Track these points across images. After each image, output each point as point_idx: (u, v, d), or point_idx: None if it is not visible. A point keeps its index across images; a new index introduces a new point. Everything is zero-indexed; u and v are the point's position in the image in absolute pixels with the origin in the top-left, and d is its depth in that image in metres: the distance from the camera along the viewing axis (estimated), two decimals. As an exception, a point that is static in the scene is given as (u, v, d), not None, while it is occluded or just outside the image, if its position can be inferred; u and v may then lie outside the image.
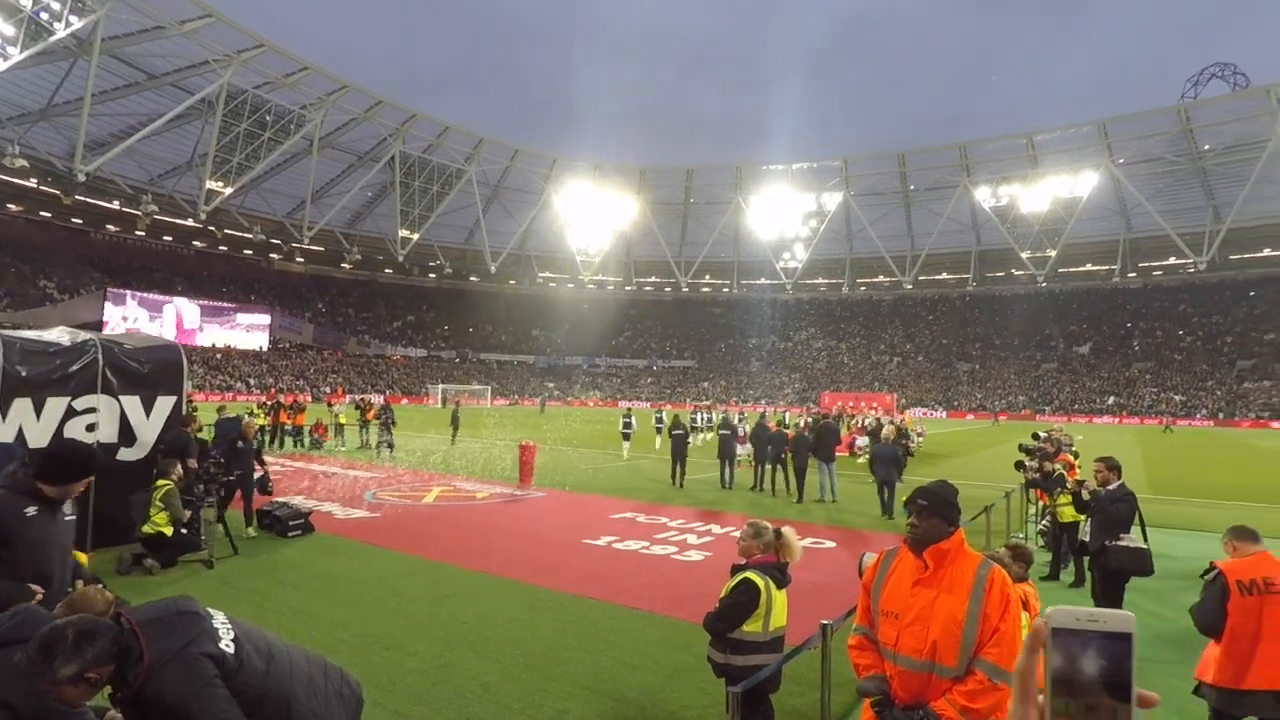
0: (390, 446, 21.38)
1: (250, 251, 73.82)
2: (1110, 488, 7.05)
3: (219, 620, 2.60)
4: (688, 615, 6.69)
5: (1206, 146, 65.45)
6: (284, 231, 71.35)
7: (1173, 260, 71.68)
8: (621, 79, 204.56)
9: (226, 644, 2.50)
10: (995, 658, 2.65)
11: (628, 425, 23.81)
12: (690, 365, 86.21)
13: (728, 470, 16.89)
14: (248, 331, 67.93)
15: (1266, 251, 69.13)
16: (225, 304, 68.00)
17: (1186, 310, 72.12)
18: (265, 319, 69.60)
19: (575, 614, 7.17)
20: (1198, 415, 59.13)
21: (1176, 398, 62.45)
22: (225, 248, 71.63)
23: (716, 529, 11.60)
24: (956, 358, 77.61)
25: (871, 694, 2.92)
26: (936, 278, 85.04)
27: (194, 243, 70.36)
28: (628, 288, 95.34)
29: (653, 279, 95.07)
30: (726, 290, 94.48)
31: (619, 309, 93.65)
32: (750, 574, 4.21)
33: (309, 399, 50.92)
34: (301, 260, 78.66)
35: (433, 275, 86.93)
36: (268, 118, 59.12)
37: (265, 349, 68.41)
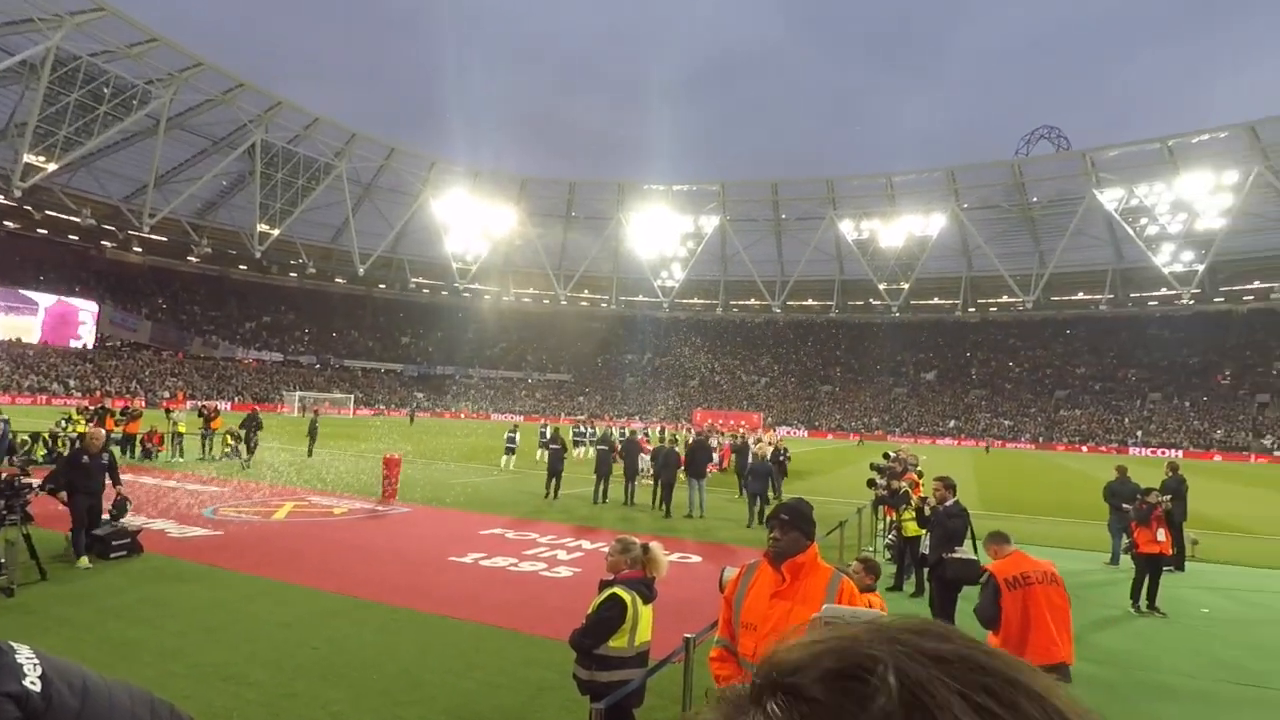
0: (247, 454, 20.64)
1: (77, 237, 66.41)
2: (947, 504, 7.66)
3: (23, 655, 2.30)
4: (554, 632, 6.62)
5: (1035, 199, 73.41)
6: (120, 217, 64.74)
7: (1005, 298, 79.43)
8: (500, 86, 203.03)
9: (31, 681, 2.21)
10: None
11: (512, 440, 23.93)
12: (566, 379, 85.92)
13: (603, 486, 16.91)
14: (72, 326, 60.92)
15: (1080, 295, 78.07)
16: (40, 293, 60.44)
17: (1015, 344, 79.92)
18: (90, 311, 62.53)
19: (437, 635, 6.92)
20: (1022, 438, 65.55)
21: (1006, 422, 68.92)
22: (45, 231, 64.03)
23: (587, 545, 11.57)
24: (819, 380, 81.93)
25: None
26: (804, 303, 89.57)
27: (5, 223, 62.47)
28: (505, 298, 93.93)
29: (531, 290, 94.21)
30: (605, 305, 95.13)
31: (495, 319, 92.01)
32: (617, 589, 4.24)
33: (143, 404, 46.44)
34: (140, 250, 71.56)
35: (294, 274, 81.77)
36: (105, 90, 53.54)
37: (91, 346, 61.59)
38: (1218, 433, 60.84)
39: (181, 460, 21.18)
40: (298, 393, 61.17)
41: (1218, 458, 56.19)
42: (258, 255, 72.01)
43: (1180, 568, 11.83)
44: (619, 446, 18.32)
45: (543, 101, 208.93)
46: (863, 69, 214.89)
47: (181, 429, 22.26)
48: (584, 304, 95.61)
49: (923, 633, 0.42)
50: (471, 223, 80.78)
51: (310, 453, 24.16)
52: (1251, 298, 70.95)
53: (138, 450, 21.14)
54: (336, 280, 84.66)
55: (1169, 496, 10.95)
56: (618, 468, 17.59)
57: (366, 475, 18.90)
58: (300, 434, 26.87)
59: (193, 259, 73.76)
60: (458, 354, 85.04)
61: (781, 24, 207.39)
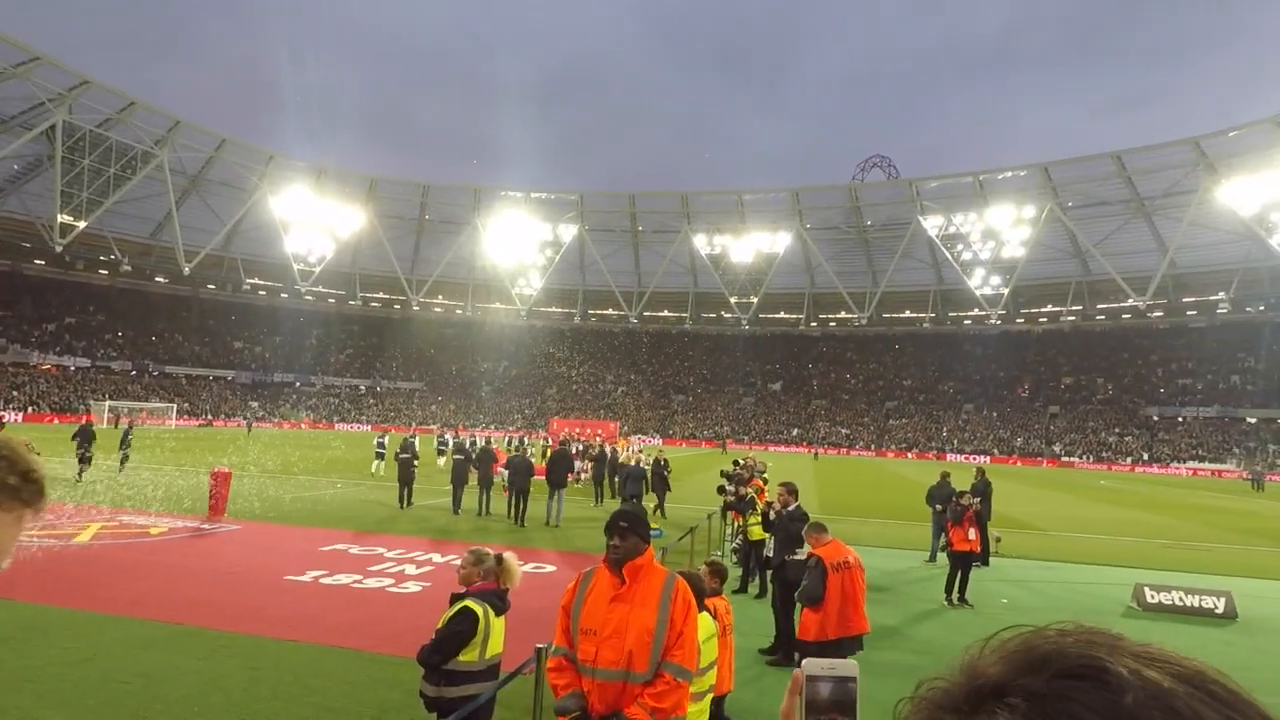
0: (78, 472, 19.81)
1: None
2: (790, 509, 8.12)
3: None
4: (402, 650, 6.36)
5: (869, 222, 79.57)
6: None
7: (843, 314, 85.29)
8: (344, 78, 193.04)
9: None
10: (680, 659, 2.93)
11: (381, 446, 25.38)
12: (418, 387, 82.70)
13: (459, 495, 16.75)
14: None
15: (907, 313, 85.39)
16: None
17: (852, 357, 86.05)
18: None
19: (272, 660, 6.43)
20: (857, 445, 70.64)
21: (843, 430, 74.00)
22: None
23: (437, 558, 11.21)
24: (674, 389, 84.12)
25: (569, 710, 3.05)
26: (659, 314, 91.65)
27: None
28: (351, 302, 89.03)
29: (380, 295, 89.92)
30: (460, 312, 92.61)
31: (340, 324, 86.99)
32: (469, 602, 4.15)
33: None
34: (-96, 239, 61.35)
35: (105, 272, 73.00)
36: None
37: None
38: (1018, 440, 68.57)
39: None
40: (107, 402, 54.78)
41: (1017, 463, 63.33)
42: (58, 249, 63.49)
43: (986, 563, 13.13)
44: (502, 458, 18.13)
45: (391, 98, 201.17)
46: (712, 86, 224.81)
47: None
48: (438, 310, 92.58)
49: (1118, 637, 0.45)
50: (315, 222, 75.90)
51: (121, 466, 21.69)
52: (1045, 320, 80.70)
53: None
54: (157, 279, 76.55)
55: (978, 499, 12.22)
56: (474, 477, 17.30)
57: (191, 492, 17.24)
58: (110, 446, 24.07)
59: (-26, 250, 64.05)
60: (298, 360, 79.50)
61: (633, 33, 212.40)
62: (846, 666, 0.82)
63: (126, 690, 5.62)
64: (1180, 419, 65.79)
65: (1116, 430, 66.98)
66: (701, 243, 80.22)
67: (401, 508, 16.72)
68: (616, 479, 19.57)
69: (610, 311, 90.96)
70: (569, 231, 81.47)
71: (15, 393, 55.94)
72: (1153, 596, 10.55)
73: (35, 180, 62.42)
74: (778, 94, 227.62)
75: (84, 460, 19.98)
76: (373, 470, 24.49)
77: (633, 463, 18.67)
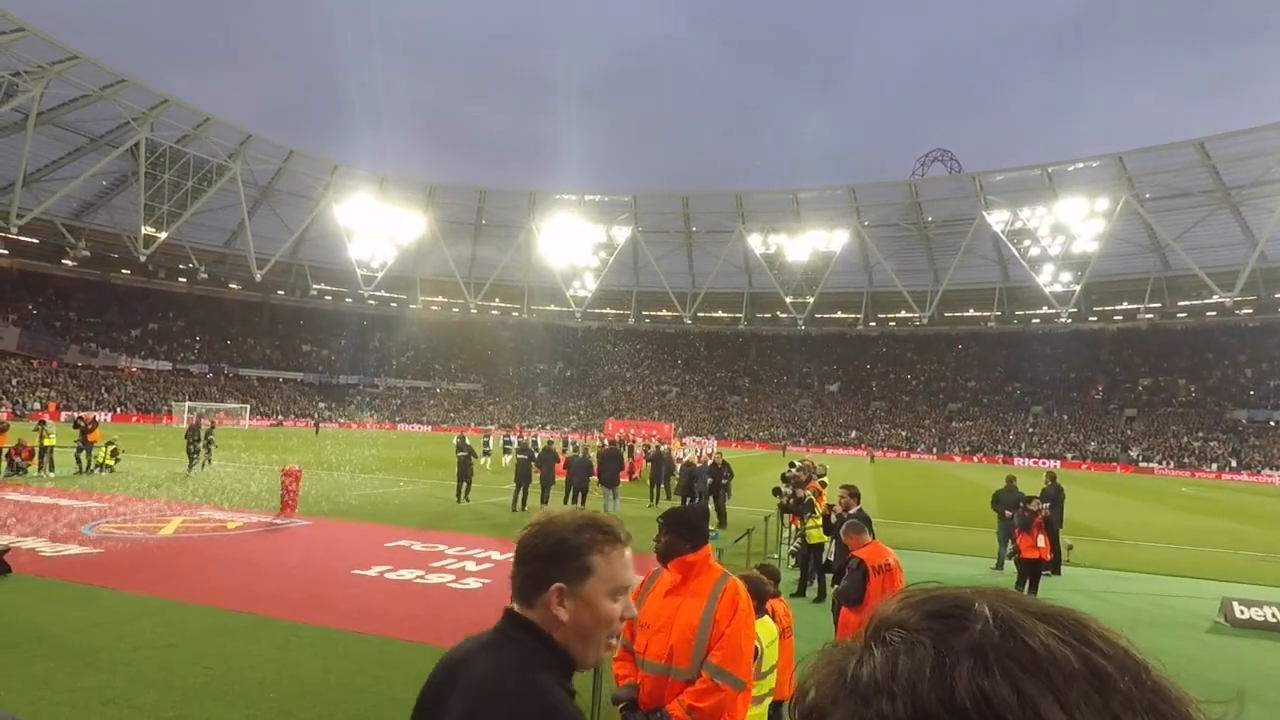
0: (205, 460, 22.31)
1: (-70, 238, 60.32)
2: (851, 512, 8.01)
3: None
4: (463, 644, 6.52)
5: (930, 218, 77.52)
6: (-17, 217, 59.37)
7: (903, 313, 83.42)
8: (401, 84, 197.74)
9: None
10: (719, 659, 2.94)
11: (488, 446, 28.87)
12: (475, 388, 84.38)
13: (522, 494, 17.08)
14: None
15: (970, 311, 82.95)
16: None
17: (912, 358, 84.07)
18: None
19: (340, 651, 6.69)
20: (918, 449, 68.88)
21: (903, 433, 72.32)
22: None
23: (496, 555, 11.44)
24: (728, 390, 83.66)
25: (621, 700, 3.11)
26: (713, 315, 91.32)
27: None
28: (412, 305, 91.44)
29: (440, 298, 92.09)
30: (516, 314, 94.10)
31: (402, 327, 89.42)
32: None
33: (9, 416, 42.69)
34: (6, 253, 65.68)
35: (184, 279, 76.93)
36: (-35, 82, 49.22)
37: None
38: (1091, 444, 65.67)
39: (53, 475, 19.57)
40: (187, 402, 57.53)
41: (1091, 468, 60.71)
42: (142, 259, 67.29)
43: (1057, 572, 12.65)
44: (536, 456, 18.44)
45: (446, 101, 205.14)
46: (768, 78, 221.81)
47: (50, 441, 20.49)
48: (494, 313, 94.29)
49: (1005, 590, 0.51)
50: (377, 229, 78.30)
51: (205, 464, 22.81)
52: (1120, 318, 77.12)
53: (2, 465, 19.43)
54: (231, 286, 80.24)
55: (1047, 504, 11.80)
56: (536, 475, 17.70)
57: (263, 488, 18.01)
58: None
59: (68, 262, 68.19)
60: (362, 363, 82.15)
61: (686, 28, 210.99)
62: None
63: (210, 674, 5.93)
64: (1272, 423, 61.83)
65: (1200, 434, 63.41)
66: (756, 242, 79.54)
67: (459, 501, 17.60)
68: (673, 479, 19.72)
69: (664, 313, 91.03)
70: (623, 233, 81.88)
71: (105, 394, 59.38)
72: (1242, 612, 9.96)
73: (121, 195, 66.17)
74: (836, 85, 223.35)
75: (194, 455, 21.99)
76: (484, 464, 27.32)
77: (708, 463, 19.13)
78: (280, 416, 66.84)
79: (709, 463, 19.25)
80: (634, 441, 34.23)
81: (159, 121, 61.99)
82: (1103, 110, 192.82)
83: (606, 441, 31.19)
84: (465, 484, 18.14)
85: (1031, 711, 0.42)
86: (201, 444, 22.42)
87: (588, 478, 16.43)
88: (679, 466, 21.49)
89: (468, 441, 19.00)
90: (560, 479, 17.85)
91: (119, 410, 57.63)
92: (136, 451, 26.90)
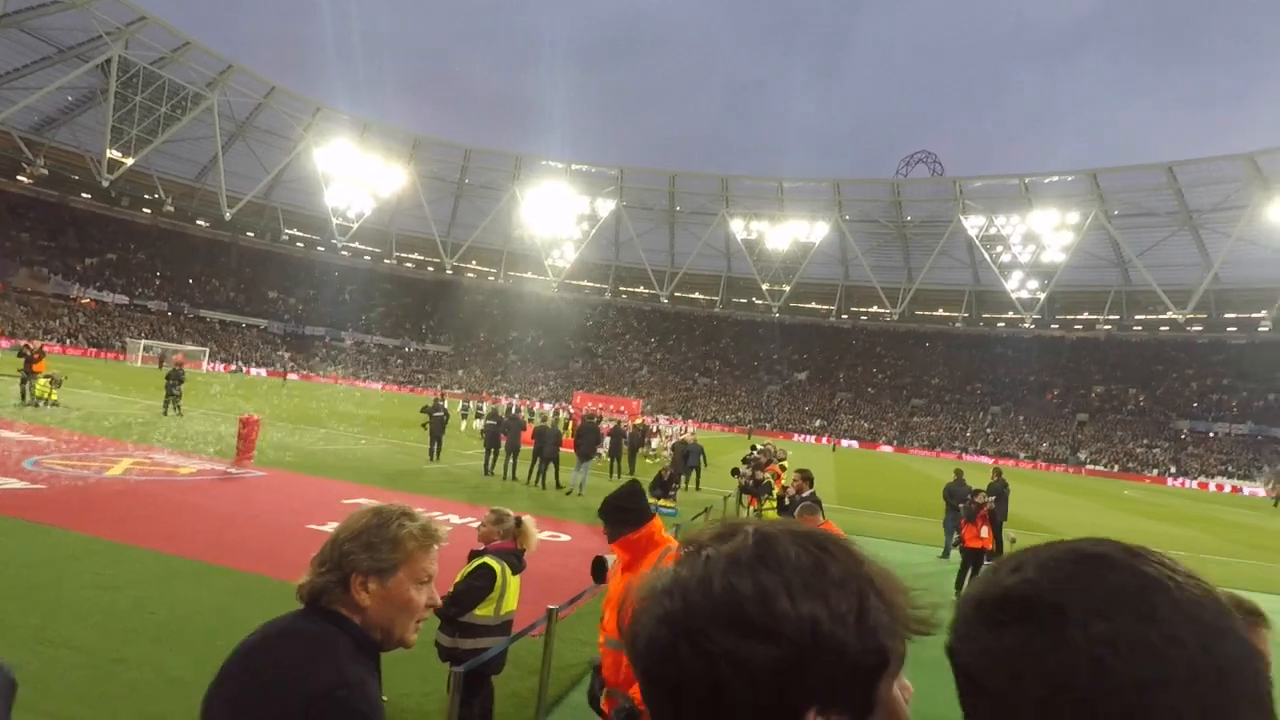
0: (173, 409, 20.87)
1: None
2: (804, 495, 8.15)
3: None
4: (415, 604, 6.51)
5: (909, 218, 78.43)
6: (-65, 122, 56.64)
7: (876, 309, 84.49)
8: (392, 26, 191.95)
9: None
10: None
11: (465, 409, 29.92)
12: (445, 350, 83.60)
13: (491, 458, 17.38)
14: None
15: (940, 311, 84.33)
16: None
17: (881, 352, 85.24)
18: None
19: (289, 603, 6.60)
20: (879, 441, 70.22)
21: (865, 425, 73.56)
22: None
23: (456, 519, 11.38)
24: (699, 372, 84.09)
25: (621, 712, 3.13)
26: (690, 296, 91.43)
27: None
28: (387, 260, 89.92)
29: (415, 255, 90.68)
30: (493, 279, 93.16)
31: (374, 282, 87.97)
32: (488, 559, 4.29)
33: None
34: (-45, 162, 62.62)
35: (148, 210, 74.42)
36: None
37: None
38: (1043, 445, 67.82)
39: (-4, 404, 18.93)
40: (143, 340, 56.13)
41: (1043, 468, 62.70)
42: (105, 184, 64.81)
43: (1000, 562, 13.08)
44: (530, 428, 19.04)
45: (437, 52, 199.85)
46: (765, 57, 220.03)
47: (-5, 370, 19.76)
48: (470, 275, 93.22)
49: (789, 520, 0.68)
50: (356, 177, 76.60)
51: (172, 409, 21.35)
52: (1080, 327, 79.32)
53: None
54: (198, 222, 77.93)
55: (993, 497, 12.14)
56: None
57: (219, 435, 17.68)
58: (152, 386, 24.69)
59: (24, 179, 65.32)
60: (330, 315, 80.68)
61: None
62: None
63: (152, 619, 5.84)
64: (1211, 434, 64.73)
65: (1144, 441, 65.97)
66: (738, 227, 79.66)
67: (431, 460, 18.12)
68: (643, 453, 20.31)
69: (641, 290, 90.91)
70: (606, 206, 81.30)
71: (54, 323, 57.51)
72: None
73: (87, 113, 63.47)
74: (833, 70, 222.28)
75: (175, 398, 21.09)
76: (462, 429, 28.13)
77: (690, 440, 20.84)
78: (241, 363, 65.52)
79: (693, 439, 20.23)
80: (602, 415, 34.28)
81: (134, 39, 59.50)
82: (1089, 120, 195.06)
83: (575, 414, 31.48)
84: (437, 444, 18.62)
85: (766, 596, 0.57)
86: (168, 388, 21.32)
87: (557, 447, 16.57)
88: (671, 443, 23.04)
89: (444, 404, 19.38)
90: (526, 447, 17.88)
91: (69, 342, 55.98)
92: (84, 388, 26.19)
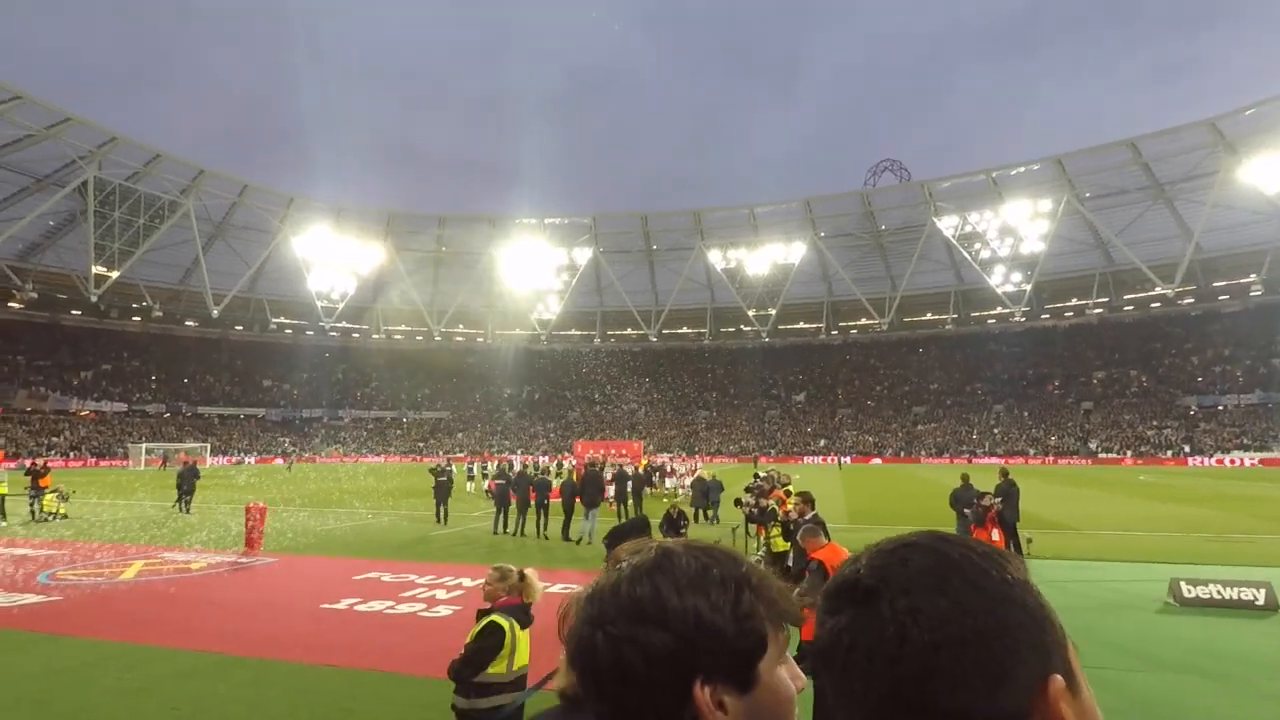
0: (184, 507, 21.68)
1: None
2: (806, 517, 8.26)
3: None
4: (435, 671, 6.56)
5: (884, 226, 79.28)
6: (-77, 263, 57.40)
7: (864, 321, 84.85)
8: (348, 109, 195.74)
9: None
10: None
11: (471, 472, 32.02)
12: (443, 416, 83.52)
13: (502, 516, 17.76)
14: None
15: (928, 315, 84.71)
16: None
17: (875, 364, 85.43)
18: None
19: (311, 684, 6.70)
20: (886, 453, 69.86)
21: (870, 438, 73.29)
22: None
23: (467, 582, 11.43)
24: (697, 406, 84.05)
25: None
26: (678, 331, 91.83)
27: None
28: (375, 336, 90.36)
29: (403, 327, 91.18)
30: (481, 340, 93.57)
31: (365, 358, 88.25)
32: (495, 617, 4.35)
33: (-45, 467, 41.01)
34: (-54, 297, 63.34)
35: (137, 318, 75.02)
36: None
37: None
38: (1052, 439, 67.23)
39: (3, 524, 18.97)
40: (144, 444, 56.08)
41: (1056, 462, 62.19)
42: (94, 299, 65.47)
43: (1017, 565, 13.07)
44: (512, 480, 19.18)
45: (398, 125, 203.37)
46: (719, 89, 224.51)
47: (2, 490, 19.87)
48: (459, 340, 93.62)
49: (693, 541, 0.84)
50: (336, 260, 77.50)
51: (184, 507, 21.96)
52: (1071, 314, 79.49)
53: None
54: (187, 323, 78.51)
55: (1000, 499, 12.20)
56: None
57: (227, 527, 17.69)
58: (152, 488, 24.73)
59: (15, 305, 66.04)
60: (326, 396, 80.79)
61: (635, 42, 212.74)
62: None
63: (176, 715, 5.91)
64: (1220, 407, 64.02)
65: (1154, 423, 65.32)
66: (716, 258, 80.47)
67: (439, 524, 18.76)
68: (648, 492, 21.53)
69: (629, 331, 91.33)
70: (584, 254, 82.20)
71: (57, 439, 57.57)
72: (1189, 591, 10.40)
73: (70, 234, 64.49)
74: (787, 92, 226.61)
75: (188, 496, 22.04)
76: (469, 490, 30.10)
77: (708, 477, 22.13)
78: (240, 455, 65.34)
79: (712, 476, 21.98)
80: (605, 462, 34.40)
81: (107, 159, 60.79)
82: (1047, 106, 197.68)
83: (577, 464, 31.74)
84: (443, 507, 19.19)
85: (659, 594, 0.73)
86: (180, 486, 22.15)
87: (574, 499, 16.91)
88: (689, 479, 24.13)
89: (450, 468, 20.36)
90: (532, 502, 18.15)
91: (73, 454, 55.97)
92: (90, 496, 26.19)
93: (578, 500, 16.74)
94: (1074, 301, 78.35)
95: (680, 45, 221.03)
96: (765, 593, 0.76)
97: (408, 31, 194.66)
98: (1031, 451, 65.09)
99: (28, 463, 23.77)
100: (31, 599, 10.10)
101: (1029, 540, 14.12)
